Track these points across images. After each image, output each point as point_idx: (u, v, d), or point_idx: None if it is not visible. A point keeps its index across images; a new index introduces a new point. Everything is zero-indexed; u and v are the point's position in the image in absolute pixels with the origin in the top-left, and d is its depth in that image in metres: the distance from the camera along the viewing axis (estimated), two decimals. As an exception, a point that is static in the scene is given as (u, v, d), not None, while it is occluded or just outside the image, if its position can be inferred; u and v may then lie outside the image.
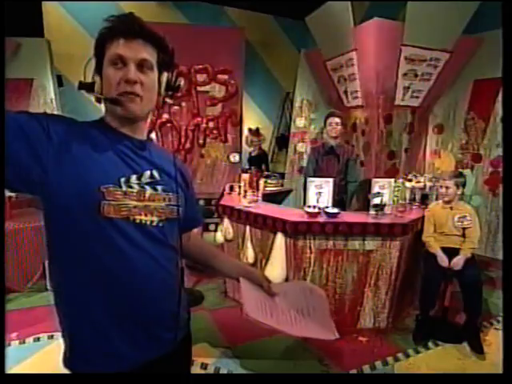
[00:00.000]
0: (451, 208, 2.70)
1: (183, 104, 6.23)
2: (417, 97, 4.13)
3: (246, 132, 6.50)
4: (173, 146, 5.96)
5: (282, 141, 6.28)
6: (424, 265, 2.74)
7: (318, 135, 4.94)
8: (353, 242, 2.63)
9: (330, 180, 2.84)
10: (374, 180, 2.80)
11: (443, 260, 2.62)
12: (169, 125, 6.03)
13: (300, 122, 5.08)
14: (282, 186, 4.74)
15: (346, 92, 4.42)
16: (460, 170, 4.24)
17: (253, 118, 6.60)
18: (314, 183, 2.83)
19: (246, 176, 3.18)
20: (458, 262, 2.59)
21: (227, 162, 6.34)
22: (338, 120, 3.39)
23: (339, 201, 3.42)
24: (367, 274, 2.68)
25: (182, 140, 6.04)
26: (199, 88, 6.18)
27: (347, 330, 2.73)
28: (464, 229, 2.67)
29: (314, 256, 2.65)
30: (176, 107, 6.06)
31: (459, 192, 2.68)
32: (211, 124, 6.14)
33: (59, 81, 5.07)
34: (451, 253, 2.65)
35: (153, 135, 5.91)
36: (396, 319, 2.85)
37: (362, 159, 4.39)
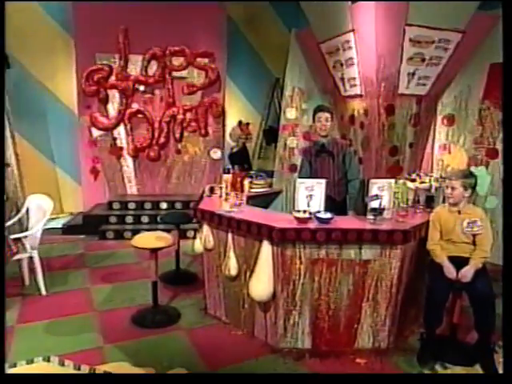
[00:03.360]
0: (459, 212, 2.78)
1: (157, 92, 6.18)
2: (424, 84, 4.24)
3: (232, 124, 6.56)
4: (144, 140, 5.99)
5: (271, 134, 6.36)
6: (429, 276, 2.82)
7: (311, 128, 5.02)
8: (348, 251, 2.69)
9: (322, 181, 2.90)
10: (372, 181, 2.87)
11: (450, 271, 2.69)
12: (140, 116, 6.05)
13: (291, 112, 5.17)
14: (270, 186, 4.81)
15: (342, 79, 4.52)
16: (473, 167, 4.38)
17: (237, 108, 6.66)
18: (304, 185, 2.89)
19: (227, 177, 3.24)
20: (467, 273, 2.66)
21: (208, 159, 6.39)
22: (327, 115, 3.47)
23: (342, 203, 3.52)
24: (364, 287, 2.75)
25: (156, 133, 6.05)
26: (175, 73, 6.11)
27: (343, 351, 2.80)
28: (474, 235, 2.74)
29: (305, 267, 2.71)
30: (148, 95, 6.08)
31: (467, 194, 2.75)
32: (189, 115, 6.17)
33: (5, 61, 5.06)
34: (460, 263, 2.72)
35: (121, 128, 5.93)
36: (398, 338, 2.92)
37: (361, 156, 4.50)
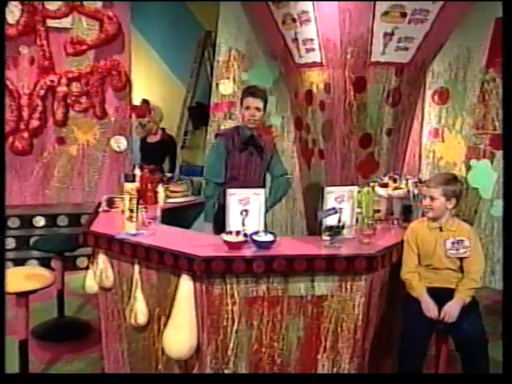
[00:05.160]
0: (441, 229, 3.17)
1: (23, 50, 5.93)
2: (405, 48, 4.63)
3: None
4: (6, 124, 5.88)
5: (199, 114, 6.60)
6: (404, 316, 3.20)
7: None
8: (296, 285, 2.99)
9: (261, 191, 3.21)
10: (328, 189, 3.20)
11: (430, 308, 3.05)
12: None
13: (226, 86, 5.42)
14: (198, 192, 4.96)
15: (295, 40, 4.82)
16: (474, 160, 4.84)
17: (152, 76, 6.82)
18: (235, 196, 3.17)
19: (131, 186, 3.45)
20: (451, 310, 3.02)
21: (108, 152, 6.43)
22: (258, 103, 3.82)
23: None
24: (320, 333, 3.06)
25: (25, 114, 5.91)
26: (51, 22, 5.94)
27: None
28: (461, 259, 3.13)
29: (239, 308, 2.98)
30: (10, 56, 5.72)
31: (450, 205, 3.13)
32: (76, 86, 6.14)
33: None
34: (443, 296, 3.08)
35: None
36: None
37: (322, 147, 4.86)
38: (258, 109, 3.82)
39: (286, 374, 3.09)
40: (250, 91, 3.91)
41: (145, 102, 6.57)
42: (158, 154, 6.15)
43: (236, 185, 3.63)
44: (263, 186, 3.93)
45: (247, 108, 3.82)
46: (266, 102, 3.92)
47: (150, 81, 6.89)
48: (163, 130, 6.42)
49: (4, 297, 2.87)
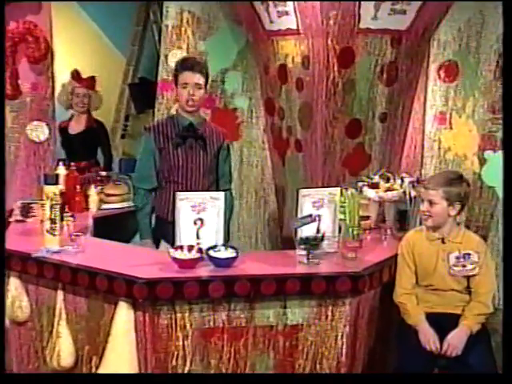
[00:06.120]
0: (443, 240, 3.23)
1: None
2: (403, 11, 4.65)
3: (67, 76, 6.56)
4: None
5: (143, 93, 6.60)
6: (398, 348, 3.26)
7: (214, 87, 5.37)
8: (264, 312, 3.02)
9: (220, 195, 3.26)
10: (303, 192, 3.25)
11: (429, 339, 3.11)
12: None
13: (178, 57, 5.33)
14: None
15: (265, 2, 4.82)
16: (489, 152, 4.91)
17: (81, 44, 6.78)
18: (187, 202, 3.19)
19: (51, 189, 3.41)
20: (456, 341, 3.09)
21: (24, 142, 6.37)
22: (198, 78, 3.84)
23: None
24: (294, 372, 3.09)
25: None
26: None
27: None
28: (468, 278, 3.20)
29: (192, 343, 2.99)
30: None
31: (453, 211, 3.18)
32: None
33: None
34: (445, 324, 3.15)
35: None
36: None
37: (299, 137, 4.90)
38: (197, 85, 3.84)
39: (286, 374, 3.12)
40: (185, 64, 3.93)
41: (77, 73, 6.39)
42: (85, 148, 6.11)
43: (175, 190, 3.66)
44: (215, 188, 3.97)
45: (184, 86, 3.84)
46: (207, 78, 3.96)
47: (78, 50, 6.79)
48: (88, 114, 6.27)
49: (4, 297, 3.01)
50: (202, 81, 3.88)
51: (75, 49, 6.91)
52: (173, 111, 5.46)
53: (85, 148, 6.05)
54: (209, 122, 4.19)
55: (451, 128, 5.04)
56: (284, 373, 3.15)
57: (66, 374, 2.93)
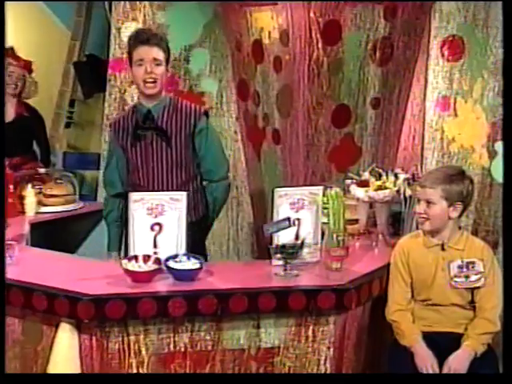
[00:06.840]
0: (442, 247, 3.31)
1: None
2: None
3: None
4: None
5: (92, 74, 6.62)
6: (391, 374, 3.30)
7: (177, 67, 5.42)
8: (234, 334, 3.07)
9: (181, 195, 3.28)
10: (279, 191, 3.28)
11: (426, 362, 3.16)
12: None
13: (132, 30, 5.43)
14: (94, 196, 4.98)
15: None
16: (499, 143, 4.99)
17: (16, 15, 6.82)
18: (143, 203, 3.23)
19: None
20: (458, 365, 3.15)
21: None
22: (156, 53, 3.78)
23: (197, 229, 3.95)
24: None
25: None
26: None
27: None
28: (472, 291, 3.27)
29: (149, 371, 3.03)
30: None
31: (455, 213, 3.25)
32: None
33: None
34: (445, 345, 3.23)
35: None
36: None
37: (277, 126, 4.95)
38: (156, 61, 3.78)
39: (286, 374, 3.17)
40: (140, 38, 3.86)
41: (13, 51, 6.19)
42: (18, 140, 5.91)
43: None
44: (196, 186, 4.01)
45: (140, 63, 3.79)
46: (168, 54, 3.91)
47: (14, 22, 6.81)
48: (19, 100, 6.14)
49: (4, 298, 2.92)
50: (161, 56, 3.80)
51: (10, 22, 6.85)
52: (127, 95, 5.53)
53: (16, 141, 5.90)
54: (176, 104, 3.99)
55: (456, 115, 5.06)
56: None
57: (66, 374, 2.97)
